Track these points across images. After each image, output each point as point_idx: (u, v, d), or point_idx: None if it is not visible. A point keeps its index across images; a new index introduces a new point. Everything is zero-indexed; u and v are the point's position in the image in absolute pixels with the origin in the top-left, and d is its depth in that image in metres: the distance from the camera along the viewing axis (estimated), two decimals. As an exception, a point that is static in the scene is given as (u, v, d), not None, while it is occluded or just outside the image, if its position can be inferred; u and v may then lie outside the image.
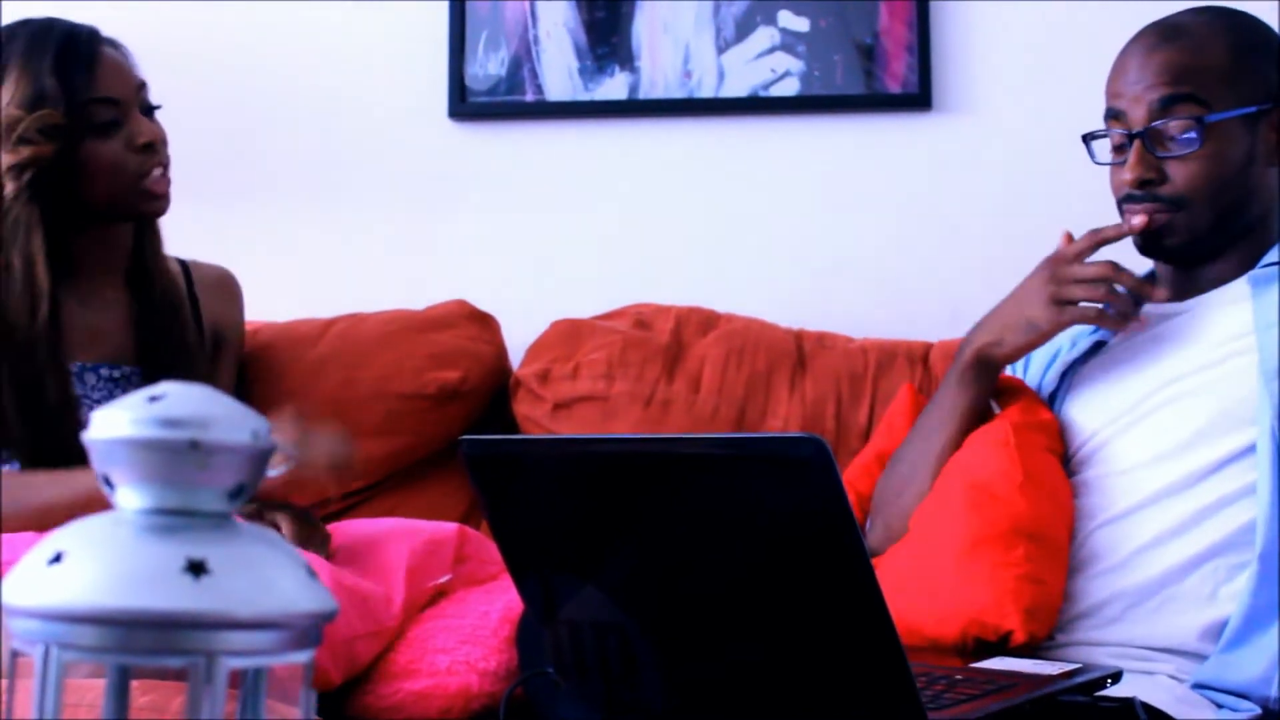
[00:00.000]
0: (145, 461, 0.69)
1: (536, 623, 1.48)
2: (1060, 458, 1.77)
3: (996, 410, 1.80)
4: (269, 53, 2.59)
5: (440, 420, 2.21)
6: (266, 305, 2.34)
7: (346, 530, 1.87)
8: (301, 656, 0.70)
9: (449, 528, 1.86)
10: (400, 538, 1.82)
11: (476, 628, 1.75)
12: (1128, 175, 1.73)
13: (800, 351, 2.22)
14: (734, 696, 1.33)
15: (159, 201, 1.93)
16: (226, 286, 2.12)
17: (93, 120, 1.86)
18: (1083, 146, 1.84)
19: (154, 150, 1.91)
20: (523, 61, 2.51)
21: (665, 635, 1.33)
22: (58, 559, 0.67)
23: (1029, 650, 1.61)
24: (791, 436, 1.19)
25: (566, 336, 2.24)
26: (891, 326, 2.31)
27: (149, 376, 1.92)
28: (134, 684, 1.09)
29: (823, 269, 2.46)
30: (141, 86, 1.93)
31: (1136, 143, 1.72)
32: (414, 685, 1.70)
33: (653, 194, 2.51)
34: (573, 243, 2.51)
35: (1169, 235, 1.74)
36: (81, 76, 1.86)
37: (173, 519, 0.70)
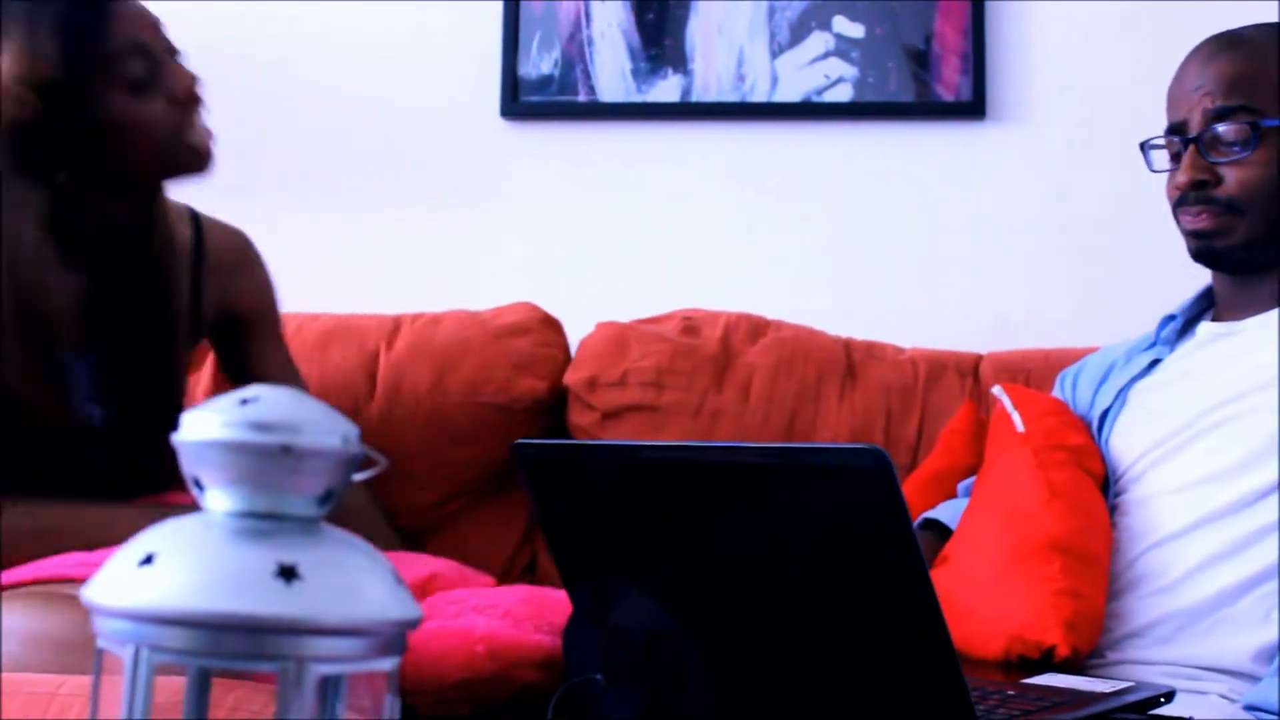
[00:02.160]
0: (236, 465, 0.69)
1: (585, 626, 1.48)
2: (1096, 476, 1.77)
3: (1020, 428, 1.80)
4: (323, 52, 2.60)
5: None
6: (320, 300, 2.35)
7: None
8: (386, 664, 0.70)
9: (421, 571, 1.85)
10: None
11: (494, 594, 1.76)
12: (1181, 178, 1.74)
13: (849, 362, 2.20)
14: (784, 707, 1.32)
15: (206, 159, 1.71)
16: (242, 252, 1.93)
17: (126, 78, 1.63)
18: (1139, 156, 1.83)
19: (194, 98, 1.69)
20: (575, 62, 2.51)
21: (716, 644, 1.32)
22: (148, 560, 0.67)
23: (1076, 667, 1.61)
24: (853, 447, 1.18)
25: (613, 342, 2.23)
26: (941, 337, 2.30)
27: (102, 366, 1.73)
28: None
29: (872, 277, 2.46)
30: (167, 39, 1.70)
31: (1191, 146, 1.73)
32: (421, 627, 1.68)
33: (703, 197, 2.51)
34: (621, 244, 2.51)
35: (1222, 238, 1.73)
36: (97, 22, 1.61)
37: (262, 523, 0.70)
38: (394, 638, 0.70)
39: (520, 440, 1.37)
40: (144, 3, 1.70)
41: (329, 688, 0.72)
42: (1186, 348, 1.85)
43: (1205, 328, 1.84)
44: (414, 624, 0.71)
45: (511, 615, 1.73)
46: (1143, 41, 2.38)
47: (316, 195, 2.57)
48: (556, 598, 1.69)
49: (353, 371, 2.19)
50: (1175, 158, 1.78)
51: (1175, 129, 1.76)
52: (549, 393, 2.22)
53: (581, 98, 2.51)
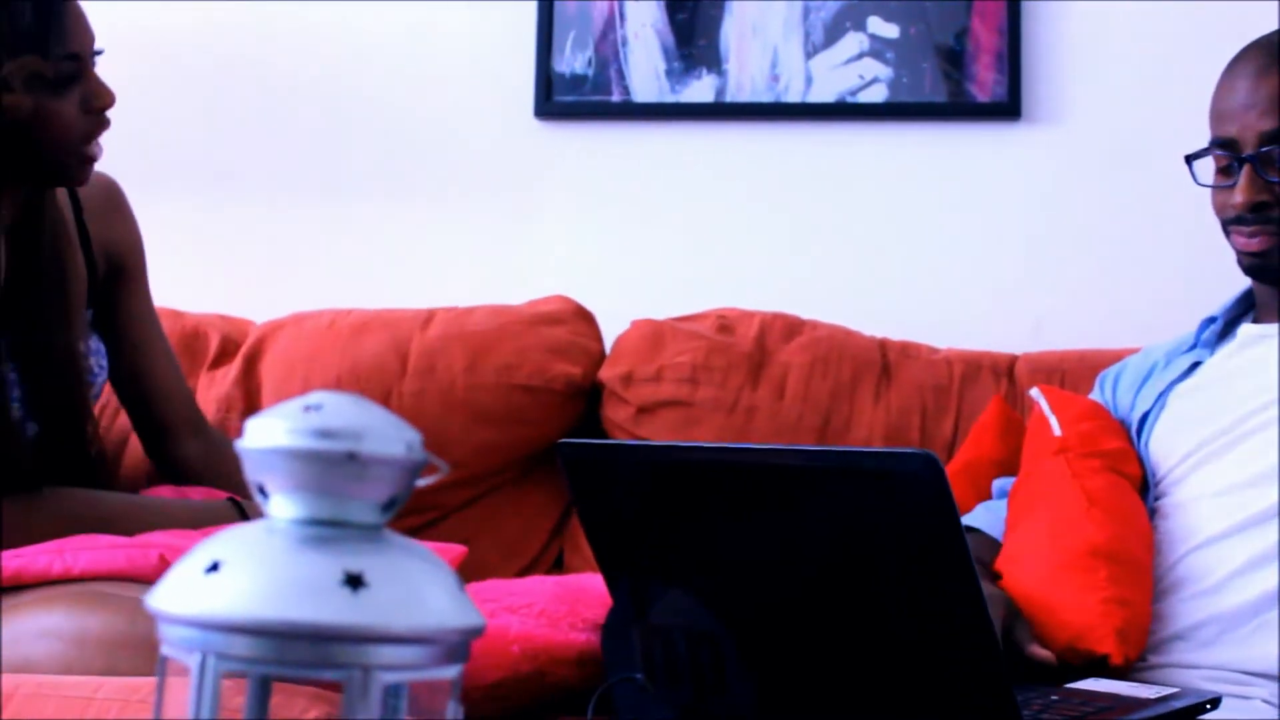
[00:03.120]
0: (301, 472, 0.69)
1: (625, 625, 1.48)
2: (1134, 480, 1.76)
3: (1057, 433, 1.79)
4: (360, 55, 2.60)
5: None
6: (351, 295, 2.35)
7: None
8: (450, 672, 0.70)
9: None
10: None
11: (526, 590, 1.76)
12: (1239, 199, 1.70)
13: (884, 361, 2.20)
14: (826, 709, 1.32)
15: (88, 170, 1.73)
16: (114, 200, 1.91)
17: (55, 75, 1.65)
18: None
19: (103, 116, 1.70)
20: (609, 62, 2.51)
21: (757, 645, 1.32)
22: (214, 568, 0.67)
23: (1123, 672, 1.60)
24: (904, 452, 1.18)
25: (648, 339, 2.23)
26: (975, 337, 2.29)
27: (15, 348, 1.74)
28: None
29: (907, 277, 2.45)
30: (93, 40, 1.71)
31: (1247, 166, 1.70)
32: None
33: (737, 197, 2.50)
34: (655, 244, 2.51)
35: (1277, 257, 1.72)
36: (55, 23, 1.64)
37: (327, 530, 0.69)
38: (457, 645, 0.70)
39: (564, 440, 1.37)
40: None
41: (390, 695, 0.72)
42: (1227, 350, 1.84)
43: (1245, 329, 1.83)
44: (478, 632, 0.71)
45: (546, 614, 1.73)
46: (1179, 41, 2.37)
47: (347, 194, 2.57)
48: (591, 591, 1.68)
49: (385, 354, 2.19)
50: (1223, 172, 1.76)
51: (1225, 144, 1.73)
52: (583, 379, 2.22)
53: (615, 98, 2.50)
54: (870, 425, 2.13)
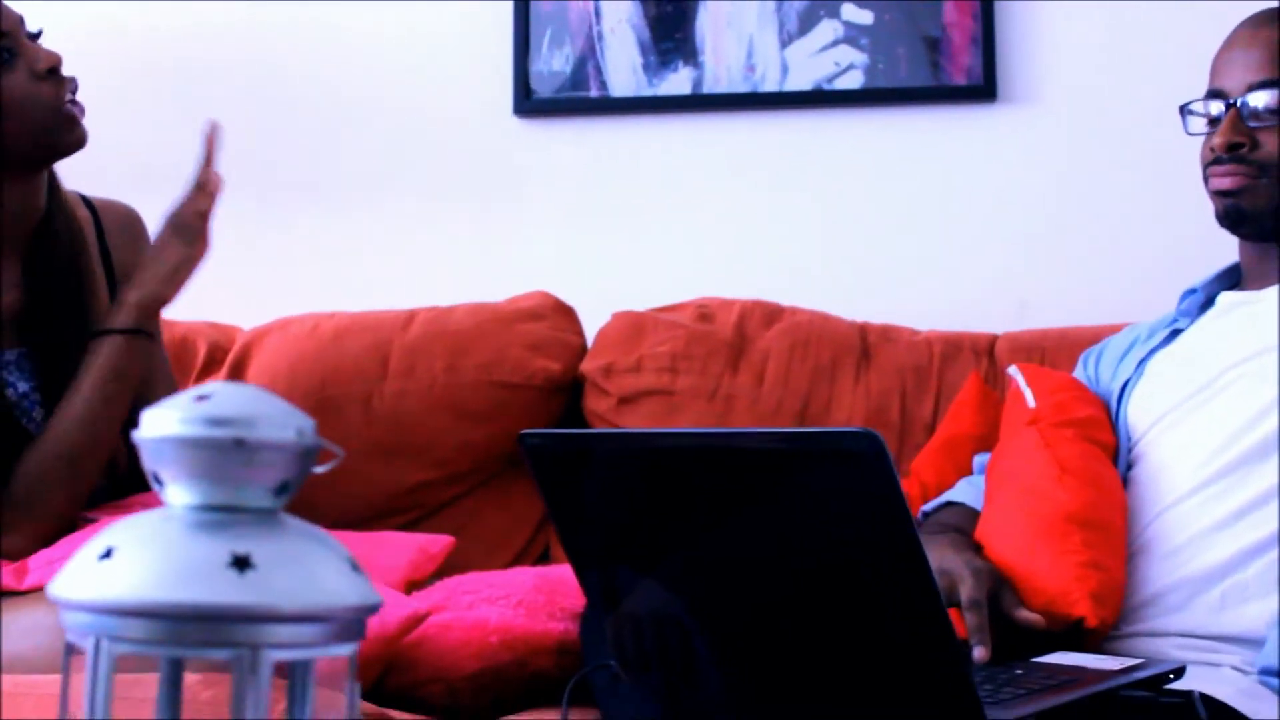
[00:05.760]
0: (192, 459, 0.71)
1: (597, 615, 1.49)
2: (1107, 447, 1.77)
3: (1031, 404, 1.80)
4: (336, 55, 2.62)
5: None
6: (336, 299, 2.37)
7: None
8: (345, 649, 0.72)
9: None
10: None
11: (506, 581, 1.78)
12: (1218, 139, 1.74)
13: (864, 344, 2.21)
14: (792, 691, 1.33)
15: (79, 130, 1.80)
16: (135, 229, 1.99)
17: None
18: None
19: (59, 74, 1.77)
20: (587, 58, 2.52)
21: (724, 628, 1.33)
22: (108, 554, 0.69)
23: (1094, 643, 1.61)
24: (847, 431, 1.18)
25: (629, 330, 2.25)
26: (957, 319, 2.30)
27: (37, 358, 1.82)
28: (197, 678, 1.11)
29: (888, 261, 2.46)
30: (21, 19, 1.79)
31: (1231, 110, 1.74)
32: (435, 618, 1.72)
33: (717, 188, 2.52)
34: (637, 237, 2.53)
35: (1249, 198, 1.74)
36: None
37: (219, 515, 0.72)
38: (352, 623, 0.72)
39: (525, 430, 1.38)
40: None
41: (298, 673, 0.74)
42: (1206, 318, 1.85)
43: (1224, 297, 1.84)
44: (373, 609, 0.73)
45: (525, 604, 1.75)
46: (1153, 22, 2.38)
47: (331, 197, 2.60)
48: (570, 581, 1.71)
49: (365, 357, 2.22)
50: (1212, 122, 1.79)
51: (1216, 94, 1.77)
52: (563, 374, 2.24)
53: (593, 93, 2.52)
54: (850, 407, 2.14)
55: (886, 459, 1.14)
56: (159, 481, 0.73)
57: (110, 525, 0.71)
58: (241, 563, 0.68)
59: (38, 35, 1.79)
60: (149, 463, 0.73)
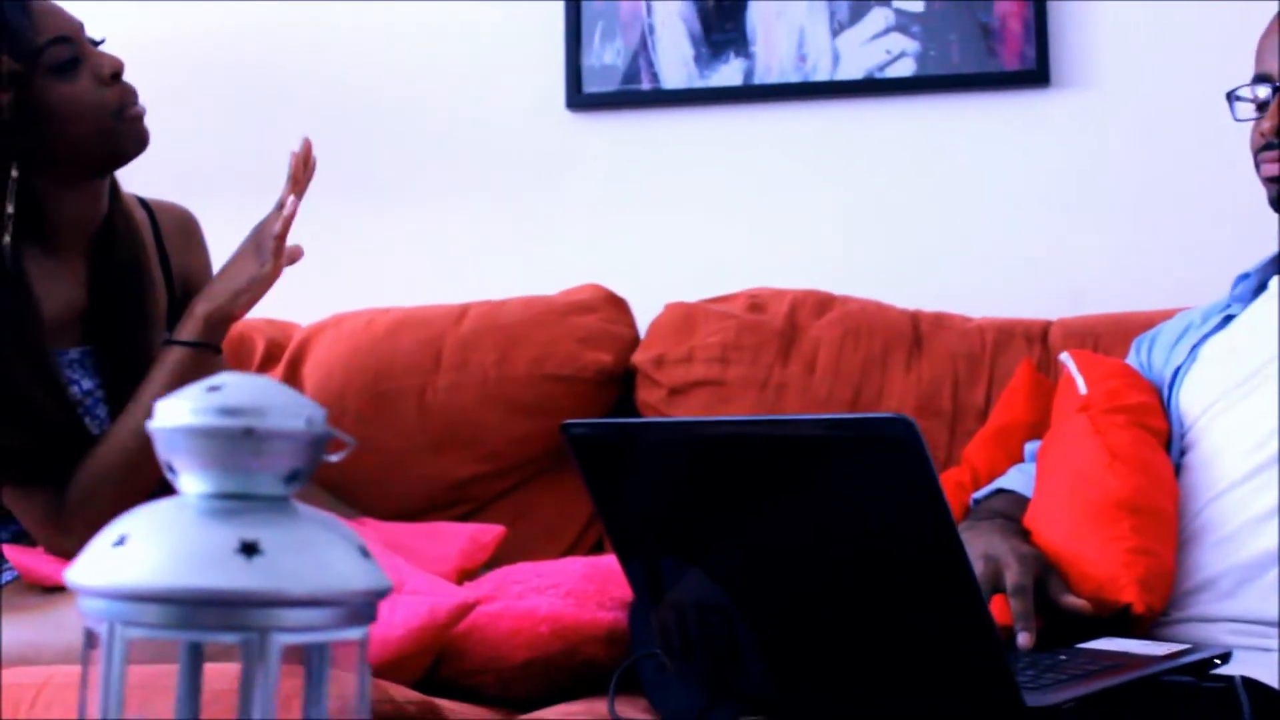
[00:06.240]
0: (204, 449, 0.73)
1: (643, 605, 1.50)
2: (1160, 434, 1.76)
3: (1083, 391, 1.79)
4: (390, 51, 2.65)
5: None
6: (392, 294, 2.40)
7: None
8: (355, 633, 0.73)
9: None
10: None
11: (555, 571, 1.80)
12: (1267, 124, 1.74)
13: (917, 332, 2.21)
14: (832, 677, 1.33)
15: (143, 134, 1.83)
16: (191, 231, 2.04)
17: (52, 63, 1.75)
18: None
19: (121, 80, 1.80)
20: (639, 52, 2.53)
21: (765, 616, 1.34)
22: (121, 542, 0.71)
23: (1144, 629, 1.60)
24: (881, 417, 1.19)
25: (681, 321, 2.26)
26: (1011, 306, 2.29)
27: (101, 355, 1.85)
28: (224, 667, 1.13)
29: (942, 249, 2.45)
30: (81, 25, 1.81)
31: (1278, 94, 1.73)
32: (485, 608, 1.73)
33: (769, 178, 2.52)
34: (690, 229, 2.53)
35: None
36: (24, 20, 1.74)
37: (231, 503, 0.73)
38: (362, 607, 0.73)
39: (568, 420, 1.39)
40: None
41: (313, 657, 0.75)
42: (1258, 303, 1.84)
43: (1277, 281, 1.82)
44: (382, 594, 0.74)
45: (574, 594, 1.76)
46: (1206, 5, 2.35)
47: (386, 194, 2.62)
48: (620, 571, 1.71)
49: (419, 351, 2.24)
50: (1260, 107, 1.78)
51: (1262, 78, 1.77)
52: (614, 366, 2.25)
53: (645, 86, 2.53)
54: (901, 395, 2.14)
55: (920, 445, 1.14)
56: (173, 471, 0.74)
57: (127, 514, 0.73)
58: (250, 548, 0.70)
59: (100, 42, 1.82)
60: (163, 452, 0.74)
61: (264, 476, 0.74)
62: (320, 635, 0.72)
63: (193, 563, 0.69)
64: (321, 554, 0.72)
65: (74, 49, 1.77)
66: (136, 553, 0.70)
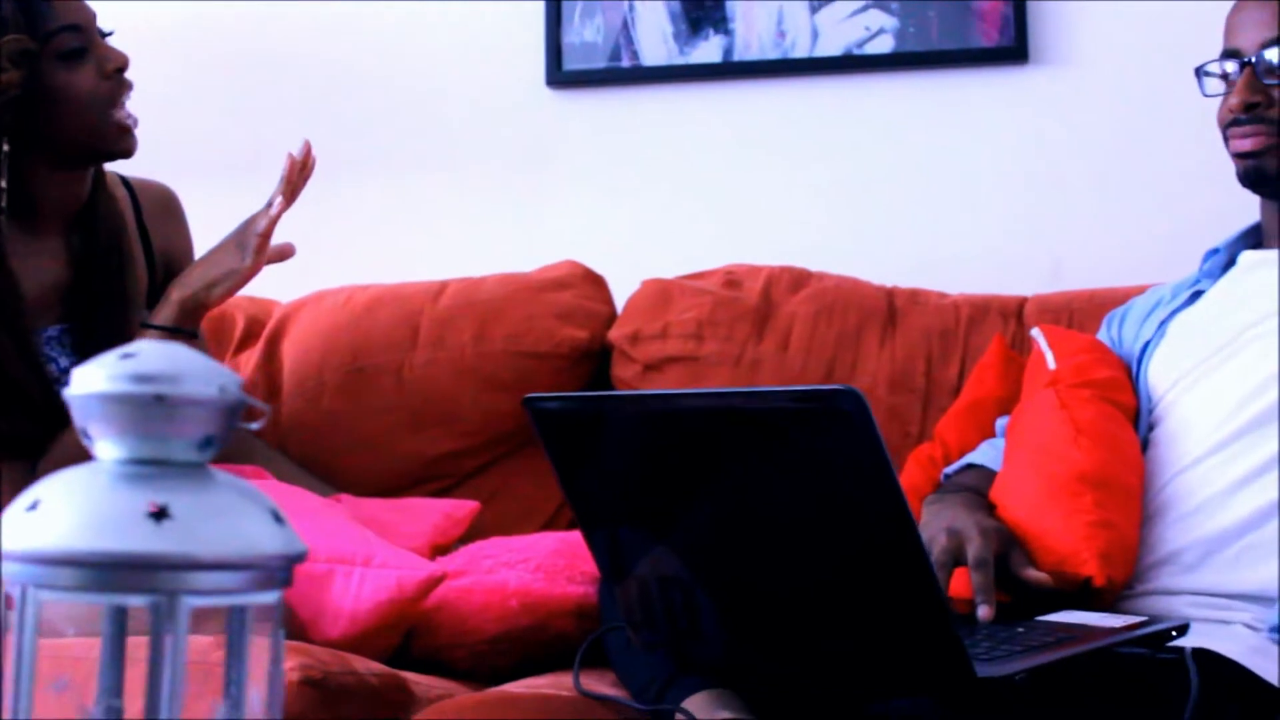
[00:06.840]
0: (117, 415, 0.74)
1: (607, 578, 1.51)
2: (1127, 409, 1.77)
3: (1052, 366, 1.80)
4: (368, 27, 2.65)
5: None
6: (372, 272, 2.40)
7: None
8: (269, 597, 0.74)
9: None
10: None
11: (526, 546, 1.81)
12: (1234, 99, 1.74)
13: (891, 308, 2.21)
14: (789, 650, 1.35)
15: (129, 139, 1.85)
16: (171, 208, 2.06)
17: (60, 49, 1.78)
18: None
19: (123, 77, 1.83)
20: (619, 28, 2.53)
21: (723, 588, 1.35)
22: (34, 506, 0.72)
23: (1106, 602, 1.61)
24: (830, 389, 1.20)
25: (656, 298, 2.27)
26: (988, 282, 2.30)
27: (79, 334, 1.87)
28: (209, 640, 1.14)
29: (920, 226, 2.46)
30: (94, 15, 1.84)
31: (1246, 69, 1.73)
32: (456, 582, 1.74)
33: (748, 155, 2.52)
34: (669, 205, 2.54)
35: (1272, 157, 1.73)
36: (42, 3, 1.77)
37: (145, 468, 0.74)
38: (275, 571, 0.74)
39: (529, 394, 1.40)
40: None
41: (234, 621, 0.76)
42: (1227, 278, 1.84)
43: (1246, 256, 1.84)
44: (298, 558, 0.75)
45: (544, 569, 1.78)
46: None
47: (365, 171, 2.63)
48: (590, 545, 1.73)
49: (396, 328, 2.25)
50: (1229, 83, 1.78)
51: (1231, 53, 1.77)
52: (590, 342, 2.26)
53: (625, 63, 2.53)
54: (875, 371, 2.15)
55: (868, 417, 1.15)
56: (88, 437, 0.75)
57: (42, 480, 0.74)
58: (160, 513, 0.71)
59: (108, 35, 1.84)
60: (79, 419, 0.75)
61: (178, 443, 0.74)
62: (231, 599, 0.73)
63: (103, 526, 0.70)
64: (233, 519, 0.73)
65: (83, 38, 1.80)
66: (49, 517, 0.71)
